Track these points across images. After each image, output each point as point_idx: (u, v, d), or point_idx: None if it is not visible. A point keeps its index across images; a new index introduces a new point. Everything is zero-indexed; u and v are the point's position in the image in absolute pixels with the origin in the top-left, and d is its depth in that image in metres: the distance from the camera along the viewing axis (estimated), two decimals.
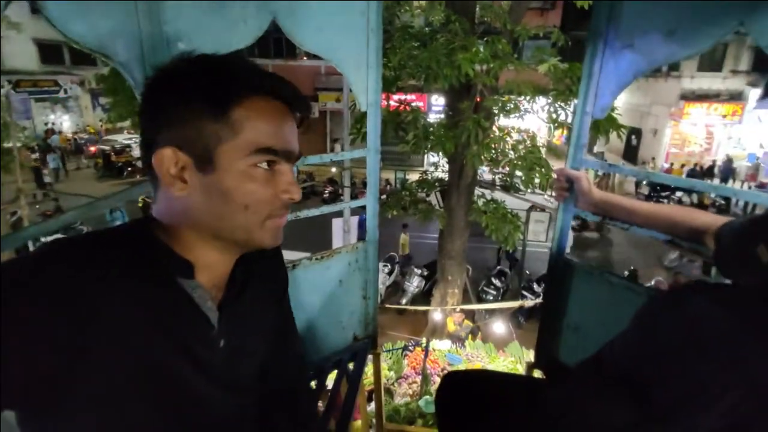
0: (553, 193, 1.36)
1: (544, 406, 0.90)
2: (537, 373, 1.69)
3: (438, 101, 13.80)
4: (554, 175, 1.38)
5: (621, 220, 1.22)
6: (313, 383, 1.55)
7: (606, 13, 1.25)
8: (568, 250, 1.53)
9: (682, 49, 1.13)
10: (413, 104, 5.92)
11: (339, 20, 1.30)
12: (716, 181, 14.11)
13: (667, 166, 15.65)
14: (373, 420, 2.45)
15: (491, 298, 8.45)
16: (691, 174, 14.55)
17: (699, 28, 1.09)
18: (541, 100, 5.51)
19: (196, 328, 0.61)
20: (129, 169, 15.00)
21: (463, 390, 1.13)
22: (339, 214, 5.73)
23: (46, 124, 18.70)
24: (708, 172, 14.94)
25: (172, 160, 0.56)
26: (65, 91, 18.86)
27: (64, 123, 19.73)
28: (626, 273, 8.73)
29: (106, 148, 15.69)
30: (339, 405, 1.57)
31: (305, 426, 0.86)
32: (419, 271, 8.80)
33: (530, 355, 5.07)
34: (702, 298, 0.74)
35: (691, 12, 1.10)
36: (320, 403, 1.68)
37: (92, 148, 16.95)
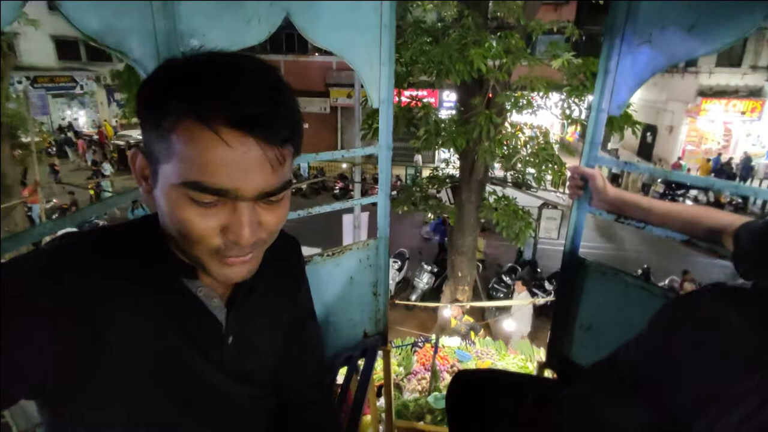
0: (567, 191, 1.34)
1: (557, 408, 0.89)
2: (548, 373, 1.68)
3: (449, 97, 13.71)
4: (567, 173, 1.36)
5: (636, 219, 1.20)
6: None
7: (623, 8, 1.23)
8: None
9: (702, 45, 1.10)
10: (424, 100, 5.89)
11: (352, 16, 1.29)
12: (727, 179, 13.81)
13: (683, 163, 15.37)
14: (383, 415, 2.46)
15: (501, 295, 8.40)
16: (718, 169, 14.20)
17: (720, 23, 1.06)
18: (555, 96, 5.44)
19: (203, 327, 0.62)
20: None
21: (473, 389, 1.13)
22: (349, 210, 5.74)
23: (63, 119, 19.07)
24: (721, 170, 14.60)
25: (138, 163, 0.55)
26: (81, 87, 19.19)
27: (80, 118, 20.07)
28: (639, 271, 8.61)
29: (121, 143, 15.91)
30: (349, 401, 1.58)
31: (325, 420, 0.87)
32: (429, 268, 8.79)
33: (541, 353, 5.03)
34: (720, 300, 0.73)
35: (713, 7, 1.06)
36: None
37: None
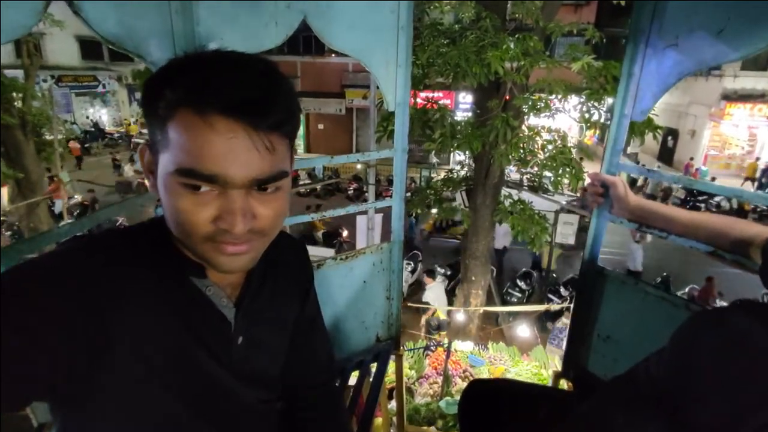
0: (587, 198, 1.31)
1: (573, 422, 0.86)
2: (563, 382, 1.65)
3: (465, 99, 13.64)
4: (586, 178, 1.33)
5: (658, 228, 1.16)
6: (336, 382, 1.55)
7: (649, 8, 1.19)
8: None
9: (731, 50, 1.06)
10: (440, 102, 5.85)
11: (369, 18, 1.29)
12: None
13: (704, 168, 15.00)
14: (394, 419, 2.44)
15: (515, 300, 8.30)
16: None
17: (752, 27, 1.01)
18: (573, 99, 5.36)
19: (212, 326, 0.62)
20: None
21: (487, 400, 1.11)
22: (363, 211, 5.75)
23: (86, 117, 19.61)
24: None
25: (145, 157, 0.57)
26: (103, 86, 19.69)
27: (103, 117, 20.57)
28: (658, 279, 8.43)
29: (141, 142, 16.21)
30: (361, 405, 1.57)
31: (334, 422, 0.86)
32: (442, 271, 8.73)
33: (555, 360, 4.95)
34: (747, 316, 0.70)
35: (744, 9, 1.02)
36: None
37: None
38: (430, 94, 6.30)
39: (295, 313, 0.77)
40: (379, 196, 7.68)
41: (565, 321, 6.40)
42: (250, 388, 0.68)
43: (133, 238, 0.60)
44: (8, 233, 9.22)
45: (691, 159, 15.31)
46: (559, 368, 1.69)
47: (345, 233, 10.17)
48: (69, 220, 7.78)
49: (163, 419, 0.59)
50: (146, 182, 0.58)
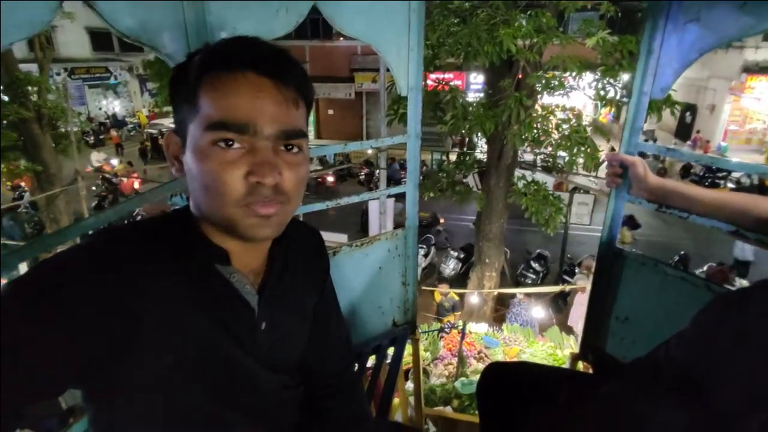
0: (605, 178, 1.29)
1: (593, 405, 0.86)
2: (581, 365, 1.65)
3: (477, 79, 13.39)
4: (602, 157, 1.31)
5: (679, 208, 1.14)
6: (354, 367, 1.58)
7: None
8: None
9: (756, 22, 1.02)
10: (451, 83, 5.76)
11: (380, 2, 1.27)
12: None
13: (724, 144, 14.57)
14: (411, 400, 2.48)
15: (530, 282, 8.28)
16: None
17: None
18: (588, 76, 5.22)
19: (236, 312, 0.63)
20: None
21: (505, 383, 1.12)
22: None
23: (99, 109, 19.84)
24: None
25: (170, 142, 0.60)
26: (115, 77, 19.82)
27: (116, 108, 20.78)
28: (676, 258, 8.30)
29: (154, 131, 16.38)
30: (379, 388, 1.60)
31: (354, 407, 0.88)
32: (455, 254, 8.73)
33: (570, 341, 4.95)
34: None
35: None
36: None
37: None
38: (441, 76, 6.20)
39: (314, 300, 0.79)
40: (391, 180, 7.65)
41: (520, 297, 6.42)
42: (274, 374, 0.70)
43: (155, 229, 0.61)
44: (29, 225, 9.48)
45: (698, 132, 14.85)
46: (576, 350, 1.69)
47: (442, 220, 10.19)
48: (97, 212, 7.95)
49: (192, 408, 0.61)
50: (171, 169, 0.61)
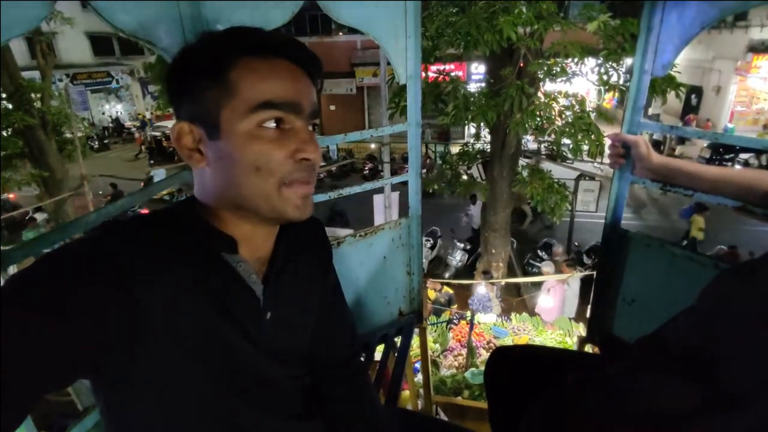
0: (608, 159, 1.28)
1: (601, 385, 0.86)
2: (589, 348, 1.64)
3: (478, 69, 13.29)
4: (606, 141, 1.30)
5: (684, 186, 1.13)
6: (361, 357, 1.59)
7: None
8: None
9: None
10: (452, 74, 5.72)
11: None
12: None
13: (731, 126, 14.37)
14: (421, 391, 2.50)
15: (537, 271, 8.24)
16: None
17: None
18: (591, 62, 5.16)
19: (242, 301, 0.63)
20: None
21: (512, 365, 1.12)
22: (380, 190, 5.73)
23: (103, 113, 19.96)
24: None
25: (187, 134, 0.59)
26: (117, 81, 19.89)
27: (119, 112, 20.88)
28: (684, 242, 8.22)
29: (157, 134, 16.44)
30: (387, 378, 1.60)
31: (361, 395, 0.88)
32: (462, 245, 8.71)
33: (579, 329, 4.94)
34: None
35: None
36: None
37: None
38: (441, 67, 6.16)
39: (319, 288, 0.79)
40: (395, 173, 7.64)
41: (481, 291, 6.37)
42: (279, 364, 0.70)
43: (160, 219, 0.61)
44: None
45: (693, 114, 14.64)
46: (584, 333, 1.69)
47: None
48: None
49: (198, 398, 0.61)
50: (188, 161, 0.61)
